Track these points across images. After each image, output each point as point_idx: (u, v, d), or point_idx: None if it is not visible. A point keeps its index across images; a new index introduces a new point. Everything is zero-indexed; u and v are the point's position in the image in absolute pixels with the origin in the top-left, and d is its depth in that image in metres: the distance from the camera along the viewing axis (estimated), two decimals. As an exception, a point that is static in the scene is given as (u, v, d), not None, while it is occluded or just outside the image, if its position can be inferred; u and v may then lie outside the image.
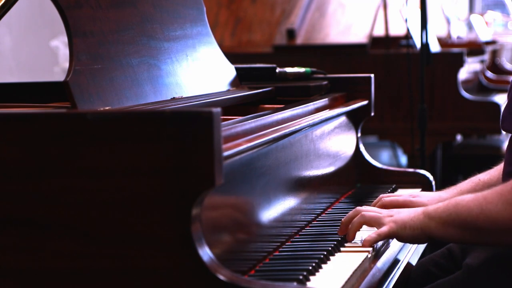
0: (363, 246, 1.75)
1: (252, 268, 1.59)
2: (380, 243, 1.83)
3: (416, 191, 2.35)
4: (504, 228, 1.64)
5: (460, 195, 1.94)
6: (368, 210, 1.82)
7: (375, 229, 1.77)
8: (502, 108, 4.22)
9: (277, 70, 2.43)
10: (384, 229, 1.74)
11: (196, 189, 1.31)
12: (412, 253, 1.94)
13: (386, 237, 1.76)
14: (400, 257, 1.86)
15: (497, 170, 2.00)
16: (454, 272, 1.84)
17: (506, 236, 1.65)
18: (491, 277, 1.76)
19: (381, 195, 2.00)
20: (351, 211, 1.83)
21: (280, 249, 1.75)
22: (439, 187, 2.27)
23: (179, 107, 1.75)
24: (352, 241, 1.81)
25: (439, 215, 1.70)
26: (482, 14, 8.50)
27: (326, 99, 2.20)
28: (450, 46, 5.75)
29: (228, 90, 2.19)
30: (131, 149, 1.32)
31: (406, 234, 1.73)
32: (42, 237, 1.35)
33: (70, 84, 1.61)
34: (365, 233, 1.90)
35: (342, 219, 1.84)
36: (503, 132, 4.28)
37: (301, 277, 1.49)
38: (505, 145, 5.22)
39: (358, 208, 1.83)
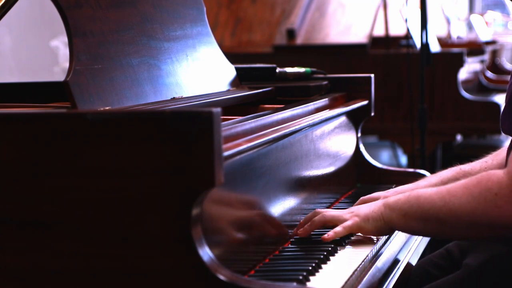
0: (323, 239, 1.73)
1: (252, 268, 1.59)
2: (380, 243, 1.83)
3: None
4: (466, 222, 1.61)
5: (442, 184, 1.95)
6: (328, 210, 1.83)
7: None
8: (502, 109, 4.23)
9: (277, 70, 2.43)
10: (348, 222, 1.74)
11: (196, 189, 1.31)
12: (412, 253, 1.94)
13: (351, 231, 1.75)
14: (400, 257, 1.86)
15: (479, 162, 2.00)
16: (453, 272, 1.84)
17: (467, 230, 1.63)
18: (490, 278, 1.76)
19: (361, 198, 1.99)
20: (310, 213, 1.83)
21: (280, 249, 1.75)
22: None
23: (179, 107, 1.75)
24: (351, 241, 1.81)
25: (399, 206, 1.70)
26: (482, 14, 8.49)
27: (326, 99, 2.20)
28: (450, 46, 5.75)
29: (228, 90, 2.19)
30: (131, 149, 1.32)
31: (369, 226, 1.74)
32: (42, 237, 1.35)
33: (70, 84, 1.61)
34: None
35: (301, 220, 1.83)
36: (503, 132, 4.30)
37: (301, 277, 1.49)
38: (505, 145, 5.22)
39: (317, 210, 1.83)
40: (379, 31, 4.68)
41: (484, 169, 1.96)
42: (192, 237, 1.31)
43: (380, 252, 1.79)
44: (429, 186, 1.93)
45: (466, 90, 4.31)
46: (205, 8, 2.26)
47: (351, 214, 1.76)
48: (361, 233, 1.79)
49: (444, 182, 1.95)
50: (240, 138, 1.52)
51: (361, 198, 1.99)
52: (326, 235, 1.75)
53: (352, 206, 1.94)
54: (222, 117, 1.33)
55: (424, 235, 1.86)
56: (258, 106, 2.20)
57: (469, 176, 1.92)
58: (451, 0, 7.91)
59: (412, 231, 1.78)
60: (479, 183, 1.60)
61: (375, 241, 1.82)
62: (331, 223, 1.78)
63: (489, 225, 1.60)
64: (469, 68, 4.83)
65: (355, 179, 2.48)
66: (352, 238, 1.85)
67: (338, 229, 1.74)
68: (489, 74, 5.47)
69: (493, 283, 1.75)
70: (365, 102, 2.44)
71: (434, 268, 1.96)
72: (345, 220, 1.75)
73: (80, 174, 1.33)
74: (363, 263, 1.67)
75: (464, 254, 1.89)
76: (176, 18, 2.10)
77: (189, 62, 2.07)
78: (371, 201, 1.94)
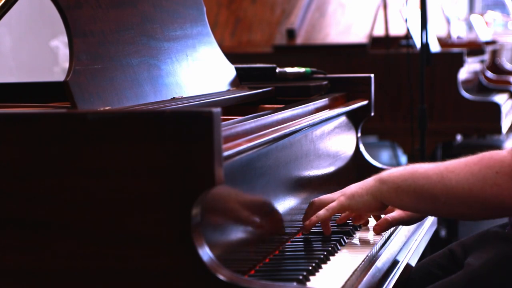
0: (307, 224, 1.75)
1: (252, 268, 1.60)
2: (380, 242, 1.83)
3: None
4: (461, 199, 1.60)
5: None
6: (320, 198, 1.82)
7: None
8: (502, 108, 4.23)
9: (277, 70, 2.43)
10: (333, 204, 1.75)
11: (196, 189, 1.31)
12: (411, 254, 1.94)
13: (337, 211, 1.76)
14: (400, 257, 1.86)
15: None
16: (455, 272, 1.83)
17: (461, 207, 1.62)
18: (492, 277, 1.75)
19: (312, 200, 1.88)
20: (306, 208, 1.83)
21: (280, 249, 1.75)
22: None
23: (179, 107, 1.75)
24: (351, 240, 1.81)
25: (392, 180, 1.68)
26: (482, 14, 8.49)
27: (326, 99, 2.20)
28: (450, 46, 5.75)
29: (228, 90, 2.19)
30: (131, 149, 1.32)
31: (355, 203, 1.73)
32: (42, 237, 1.35)
33: (70, 84, 1.61)
34: (365, 233, 1.90)
35: (302, 218, 1.83)
36: (503, 132, 4.30)
37: (301, 277, 1.49)
38: (505, 145, 5.23)
39: (312, 200, 1.83)
40: (379, 31, 4.68)
41: None
42: (192, 237, 1.31)
43: (380, 252, 1.79)
44: None
45: (466, 90, 4.31)
46: (205, 8, 2.26)
47: (339, 194, 1.77)
48: (350, 211, 1.78)
49: None
50: (240, 138, 1.52)
51: (312, 200, 1.87)
52: (307, 221, 1.75)
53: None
54: (222, 117, 1.33)
55: (415, 211, 1.83)
56: (258, 106, 2.20)
57: None
58: (451, 0, 7.91)
59: (403, 206, 1.75)
60: (481, 160, 1.59)
61: (375, 242, 1.82)
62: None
63: (484, 204, 1.59)
64: (469, 68, 4.83)
65: (355, 179, 2.48)
66: (355, 235, 1.85)
67: (321, 212, 1.74)
68: (489, 74, 5.47)
69: (495, 283, 1.75)
70: (365, 102, 2.44)
71: (437, 268, 1.96)
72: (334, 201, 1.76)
73: (80, 174, 1.33)
74: (363, 263, 1.67)
75: (467, 253, 1.88)
76: (176, 18, 2.10)
77: (189, 62, 2.07)
78: (325, 204, 1.83)
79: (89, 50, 1.71)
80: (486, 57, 5.53)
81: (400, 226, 1.98)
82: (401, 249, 1.90)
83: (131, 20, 1.91)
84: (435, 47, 4.85)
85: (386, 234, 1.90)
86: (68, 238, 1.34)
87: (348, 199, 1.73)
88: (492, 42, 6.31)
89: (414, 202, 1.67)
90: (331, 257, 1.69)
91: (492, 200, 1.58)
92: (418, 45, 3.99)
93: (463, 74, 4.51)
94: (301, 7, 4.63)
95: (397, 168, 1.71)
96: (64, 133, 1.34)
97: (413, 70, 3.78)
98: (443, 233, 4.67)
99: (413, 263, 1.98)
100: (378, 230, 1.82)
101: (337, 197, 1.77)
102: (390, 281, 1.72)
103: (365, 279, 1.60)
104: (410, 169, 1.68)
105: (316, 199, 1.82)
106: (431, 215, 1.79)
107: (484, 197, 1.58)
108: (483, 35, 6.94)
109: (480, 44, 5.82)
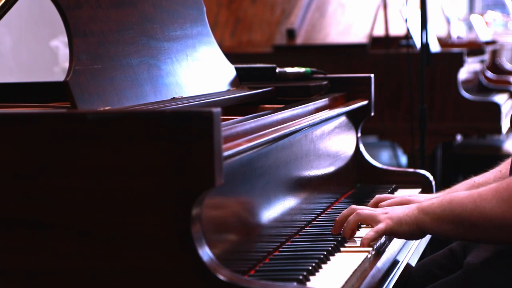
0: (361, 245, 1.75)
1: (252, 268, 1.60)
2: (379, 243, 1.82)
3: (415, 192, 2.35)
4: (497, 225, 1.64)
5: None
6: (363, 208, 1.83)
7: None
8: (502, 108, 4.23)
9: (277, 70, 2.43)
10: (381, 226, 1.75)
11: (196, 189, 1.31)
12: (412, 254, 1.94)
13: (383, 234, 1.76)
14: (400, 258, 1.86)
15: (493, 173, 2.00)
16: (456, 272, 1.84)
17: (499, 232, 1.65)
18: (491, 277, 1.76)
19: (377, 195, 2.01)
20: (345, 210, 1.84)
21: (280, 249, 1.75)
22: (439, 187, 2.28)
23: (179, 107, 1.75)
24: (351, 240, 1.81)
25: (433, 210, 1.71)
26: (482, 14, 8.49)
27: (326, 99, 2.20)
28: (450, 46, 5.75)
29: (228, 90, 2.19)
30: (131, 149, 1.32)
31: (402, 230, 1.74)
32: (42, 237, 1.35)
33: (70, 84, 1.61)
34: (364, 231, 1.90)
35: (337, 217, 1.85)
36: (503, 132, 4.30)
37: (301, 277, 1.49)
38: (505, 145, 5.23)
39: (353, 206, 1.84)
40: (379, 31, 4.67)
41: (498, 179, 1.95)
42: (192, 237, 1.31)
43: (380, 252, 1.79)
44: None
45: (466, 90, 4.31)
46: (205, 8, 2.26)
47: (385, 216, 1.76)
48: (393, 236, 1.79)
49: None
50: (240, 138, 1.52)
51: (377, 196, 1.99)
52: (360, 244, 1.76)
53: (352, 205, 1.92)
54: (222, 117, 1.33)
55: (457, 238, 1.88)
56: (258, 106, 2.20)
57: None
58: (451, 0, 7.91)
59: (445, 235, 1.77)
60: (509, 186, 1.63)
61: (374, 242, 1.82)
62: (366, 222, 1.81)
63: None
64: (469, 68, 4.83)
65: (355, 179, 2.48)
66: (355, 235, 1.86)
67: (370, 233, 1.75)
68: (489, 74, 5.47)
69: (495, 282, 1.75)
70: (365, 102, 2.44)
71: (438, 268, 1.96)
72: (379, 222, 1.75)
73: (80, 174, 1.33)
74: (363, 263, 1.67)
75: (467, 253, 1.89)
76: (176, 18, 2.10)
77: (189, 62, 2.07)
78: (390, 202, 1.94)
79: (89, 50, 1.71)
80: (486, 57, 5.53)
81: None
82: (401, 249, 1.90)
83: (131, 20, 1.91)
84: (435, 47, 4.85)
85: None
86: (68, 238, 1.34)
87: (397, 225, 1.75)
88: (492, 42, 6.31)
89: (454, 230, 1.71)
90: (331, 257, 1.69)
91: None
92: (418, 45, 3.99)
93: (463, 74, 4.51)
94: (301, 7, 4.63)
95: (436, 196, 1.74)
96: (64, 133, 1.34)
97: (413, 70, 3.78)
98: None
99: (413, 263, 1.98)
100: (366, 243, 1.80)
101: (383, 218, 1.76)
102: (390, 281, 1.72)
103: (365, 279, 1.60)
104: (448, 198, 1.71)
105: (360, 210, 1.81)
106: (476, 242, 1.82)
107: None
108: (483, 35, 6.94)
109: (480, 44, 5.82)
